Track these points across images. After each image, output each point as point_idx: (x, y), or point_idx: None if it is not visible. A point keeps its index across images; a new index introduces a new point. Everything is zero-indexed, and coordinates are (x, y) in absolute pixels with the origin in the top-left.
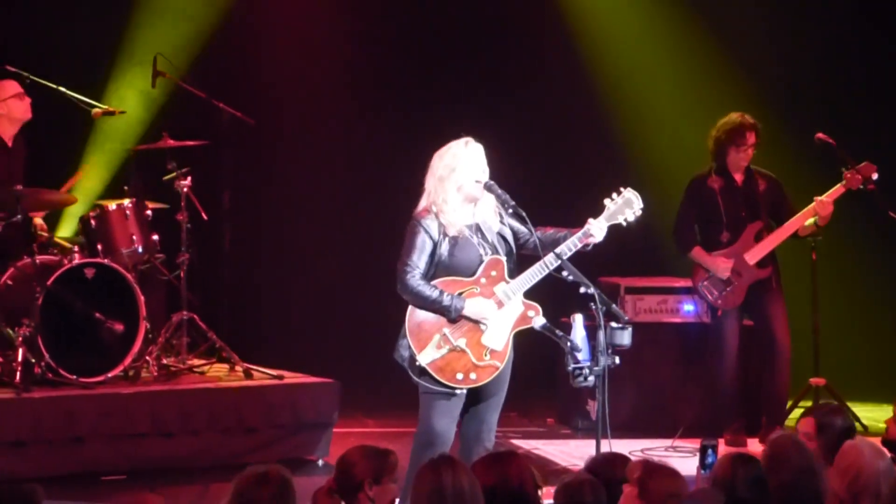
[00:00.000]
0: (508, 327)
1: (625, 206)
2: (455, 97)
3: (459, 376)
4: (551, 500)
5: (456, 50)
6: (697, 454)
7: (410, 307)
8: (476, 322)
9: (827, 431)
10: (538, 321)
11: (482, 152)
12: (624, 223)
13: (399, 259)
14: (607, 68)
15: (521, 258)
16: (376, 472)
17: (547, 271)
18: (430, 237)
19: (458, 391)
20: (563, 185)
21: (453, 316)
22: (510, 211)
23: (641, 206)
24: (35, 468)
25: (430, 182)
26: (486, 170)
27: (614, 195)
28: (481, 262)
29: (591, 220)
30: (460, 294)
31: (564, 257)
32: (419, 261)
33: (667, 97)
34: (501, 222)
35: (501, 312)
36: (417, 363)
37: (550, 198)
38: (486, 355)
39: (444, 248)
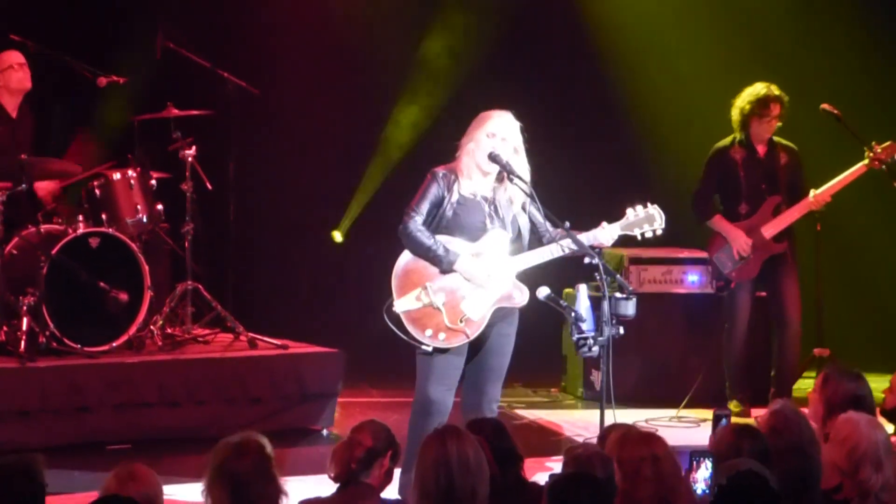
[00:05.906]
0: (491, 301)
1: (645, 220)
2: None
3: (429, 333)
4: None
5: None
6: (710, 423)
7: (402, 254)
8: (463, 283)
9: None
10: (542, 291)
11: (507, 125)
12: (639, 237)
13: (407, 204)
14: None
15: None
16: (389, 446)
17: (543, 260)
18: (440, 189)
19: (423, 346)
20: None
21: (445, 267)
22: (512, 180)
23: (663, 226)
24: (40, 438)
25: (463, 141)
26: (510, 143)
27: (638, 207)
28: (485, 230)
29: (604, 224)
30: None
31: (565, 252)
32: (423, 208)
33: (683, 66)
34: (523, 209)
35: (489, 285)
36: (393, 309)
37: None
38: (460, 321)
39: (451, 205)
